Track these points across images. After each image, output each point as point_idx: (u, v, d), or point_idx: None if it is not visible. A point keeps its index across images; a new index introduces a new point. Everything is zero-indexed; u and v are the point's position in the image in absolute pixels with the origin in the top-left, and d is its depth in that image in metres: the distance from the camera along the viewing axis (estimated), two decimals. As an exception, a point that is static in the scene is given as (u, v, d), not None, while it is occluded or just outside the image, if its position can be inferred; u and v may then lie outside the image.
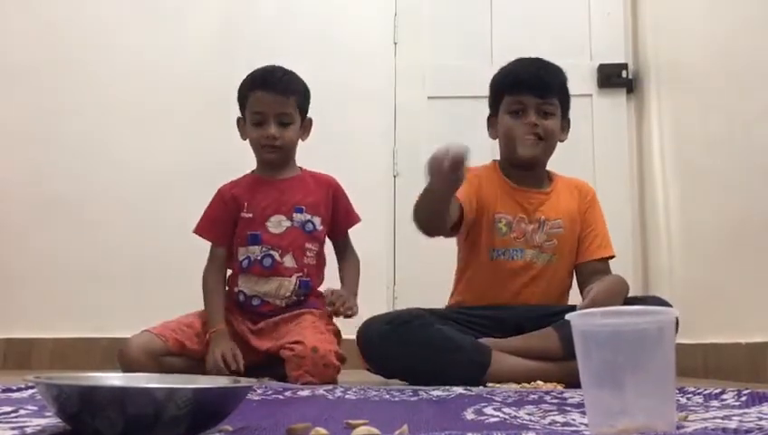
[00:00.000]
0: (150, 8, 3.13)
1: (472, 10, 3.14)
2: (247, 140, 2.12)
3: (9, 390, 1.29)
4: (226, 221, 2.09)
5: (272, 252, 2.05)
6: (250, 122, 2.09)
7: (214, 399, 0.80)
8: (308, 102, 2.14)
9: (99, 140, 3.03)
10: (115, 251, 2.95)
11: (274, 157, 2.10)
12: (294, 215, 2.07)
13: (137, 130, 3.05)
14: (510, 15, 3.12)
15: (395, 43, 3.11)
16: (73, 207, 2.98)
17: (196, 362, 1.92)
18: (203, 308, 2.06)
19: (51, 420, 0.88)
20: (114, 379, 0.93)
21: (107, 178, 3.02)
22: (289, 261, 2.05)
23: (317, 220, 2.09)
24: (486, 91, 2.10)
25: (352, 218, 2.18)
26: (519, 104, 1.97)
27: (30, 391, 1.27)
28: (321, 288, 2.09)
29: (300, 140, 2.14)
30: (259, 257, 2.04)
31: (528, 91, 1.96)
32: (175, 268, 2.78)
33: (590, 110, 3.03)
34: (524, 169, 2.02)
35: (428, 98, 3.07)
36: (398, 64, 3.10)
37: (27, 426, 0.84)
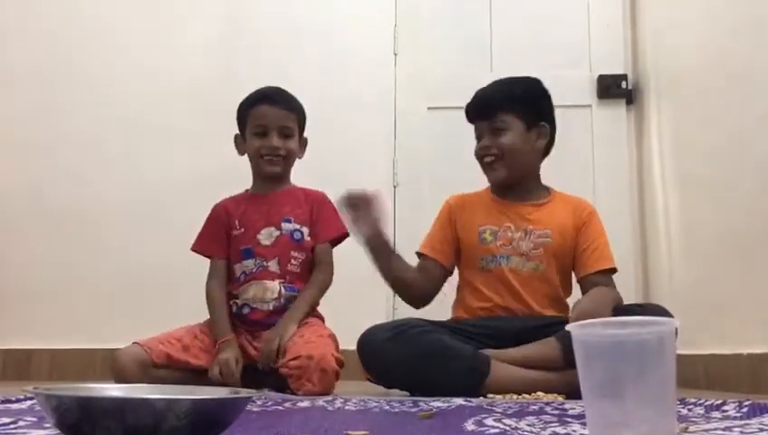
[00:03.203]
0: (151, 15, 3.14)
1: (472, 21, 3.15)
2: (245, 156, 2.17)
3: (8, 401, 1.29)
4: (222, 234, 2.14)
5: (264, 263, 2.09)
6: (251, 134, 2.13)
7: (213, 409, 0.80)
8: (305, 124, 2.19)
9: (98, 149, 3.04)
10: (114, 262, 2.95)
11: (276, 169, 2.13)
12: (283, 224, 2.11)
13: (136, 140, 3.05)
14: (510, 27, 3.13)
15: (395, 54, 3.12)
16: (73, 217, 2.98)
17: (183, 374, 1.93)
18: (200, 321, 2.08)
19: (50, 431, 0.88)
20: (113, 389, 0.93)
21: (106, 189, 3.02)
22: (273, 265, 2.08)
23: (305, 230, 2.12)
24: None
25: (332, 227, 2.13)
26: (476, 130, 2.03)
27: (29, 402, 1.27)
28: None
29: (297, 158, 2.18)
30: (254, 270, 2.08)
31: (475, 117, 2.03)
32: (174, 280, 2.78)
33: (590, 121, 3.04)
34: (507, 187, 2.04)
35: (428, 108, 3.07)
36: (399, 75, 3.12)
37: (26, 437, 0.84)
